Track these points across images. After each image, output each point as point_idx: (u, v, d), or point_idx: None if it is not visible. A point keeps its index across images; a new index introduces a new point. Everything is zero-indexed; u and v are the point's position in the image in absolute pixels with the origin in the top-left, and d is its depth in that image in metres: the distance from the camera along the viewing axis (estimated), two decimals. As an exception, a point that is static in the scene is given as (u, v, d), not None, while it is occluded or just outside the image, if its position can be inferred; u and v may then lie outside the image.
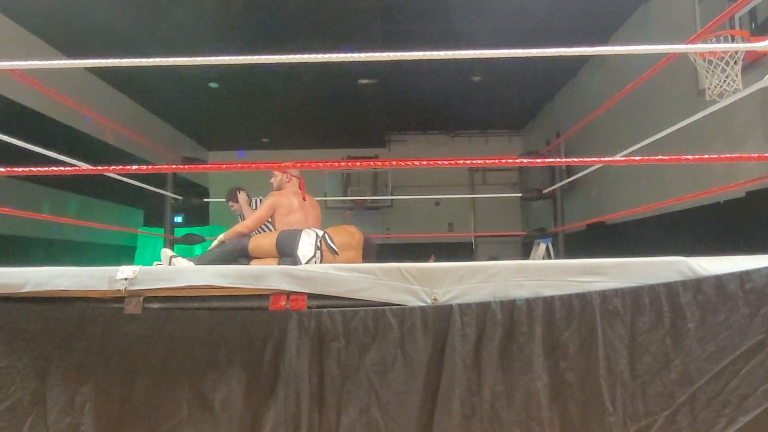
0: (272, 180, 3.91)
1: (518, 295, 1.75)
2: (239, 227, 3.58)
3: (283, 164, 2.60)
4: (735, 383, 1.63)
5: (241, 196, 4.60)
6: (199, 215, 9.33)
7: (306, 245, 3.09)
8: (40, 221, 5.74)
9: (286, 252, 3.12)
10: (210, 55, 2.16)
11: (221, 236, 3.48)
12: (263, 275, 1.78)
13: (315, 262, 3.04)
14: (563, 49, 2.23)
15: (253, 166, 2.56)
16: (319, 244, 3.12)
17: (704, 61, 3.29)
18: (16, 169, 2.43)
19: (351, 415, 1.67)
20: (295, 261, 3.00)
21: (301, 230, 3.19)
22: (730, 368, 1.64)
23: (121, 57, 2.19)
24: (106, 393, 1.71)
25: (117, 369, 1.72)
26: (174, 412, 1.70)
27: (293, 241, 3.11)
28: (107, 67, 2.23)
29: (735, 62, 3.19)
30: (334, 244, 3.17)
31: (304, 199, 3.74)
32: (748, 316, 1.66)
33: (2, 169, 2.40)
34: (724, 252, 1.85)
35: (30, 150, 3.52)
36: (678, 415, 1.63)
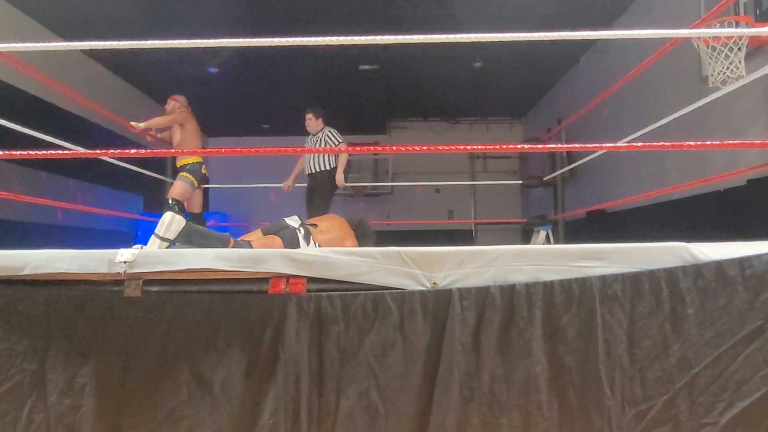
0: (167, 108, 4.91)
1: (518, 279, 1.75)
2: (158, 118, 4.74)
3: (282, 149, 2.63)
4: (733, 368, 1.64)
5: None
6: (198, 201, 9.29)
7: (305, 244, 3.20)
8: (39, 206, 5.73)
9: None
10: (209, 39, 2.14)
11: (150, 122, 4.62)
12: (263, 259, 1.78)
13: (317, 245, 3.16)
14: (565, 33, 2.21)
15: (253, 151, 2.57)
16: (303, 230, 3.24)
17: (708, 47, 3.26)
18: (14, 153, 2.42)
19: (350, 398, 1.68)
20: None
21: (295, 229, 3.26)
22: (728, 353, 1.64)
23: (119, 40, 2.17)
24: (106, 375, 1.71)
25: (117, 351, 1.73)
26: (174, 394, 1.70)
27: (295, 245, 3.19)
28: (104, 50, 2.22)
29: (738, 48, 3.16)
30: (309, 225, 3.33)
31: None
32: (747, 301, 1.66)
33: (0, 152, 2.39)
34: (725, 240, 1.84)
35: (28, 135, 3.51)
36: (676, 399, 1.64)
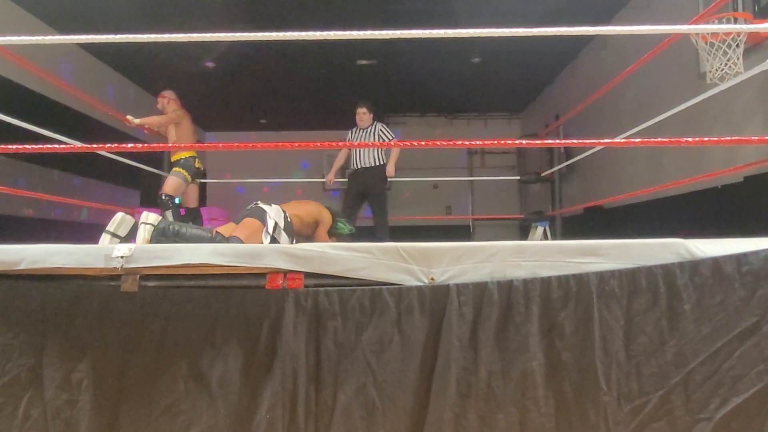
0: (158, 106, 5.05)
1: (516, 275, 1.75)
2: (155, 118, 4.92)
3: (281, 144, 2.65)
4: (729, 364, 1.64)
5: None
6: (195, 196, 9.28)
7: (268, 206, 3.24)
8: (36, 201, 5.71)
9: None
10: (206, 33, 2.13)
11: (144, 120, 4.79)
12: (260, 254, 1.78)
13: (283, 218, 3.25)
14: (564, 29, 2.20)
15: (250, 146, 2.58)
16: (261, 202, 3.30)
17: (706, 43, 3.26)
18: (10, 147, 2.41)
19: (347, 394, 1.68)
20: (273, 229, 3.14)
21: (254, 204, 3.31)
22: (724, 349, 1.65)
23: (116, 34, 2.16)
24: (103, 370, 1.71)
25: (114, 346, 1.72)
26: (171, 389, 1.70)
27: (263, 215, 3.20)
28: (101, 44, 2.21)
29: (737, 45, 3.16)
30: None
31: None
32: (744, 298, 1.66)
33: (-3, 147, 2.38)
34: (722, 237, 1.84)
35: (24, 129, 3.49)
36: (672, 395, 1.64)
